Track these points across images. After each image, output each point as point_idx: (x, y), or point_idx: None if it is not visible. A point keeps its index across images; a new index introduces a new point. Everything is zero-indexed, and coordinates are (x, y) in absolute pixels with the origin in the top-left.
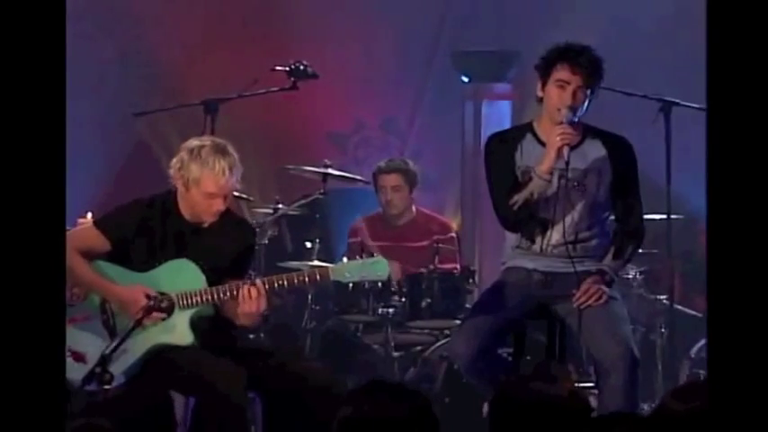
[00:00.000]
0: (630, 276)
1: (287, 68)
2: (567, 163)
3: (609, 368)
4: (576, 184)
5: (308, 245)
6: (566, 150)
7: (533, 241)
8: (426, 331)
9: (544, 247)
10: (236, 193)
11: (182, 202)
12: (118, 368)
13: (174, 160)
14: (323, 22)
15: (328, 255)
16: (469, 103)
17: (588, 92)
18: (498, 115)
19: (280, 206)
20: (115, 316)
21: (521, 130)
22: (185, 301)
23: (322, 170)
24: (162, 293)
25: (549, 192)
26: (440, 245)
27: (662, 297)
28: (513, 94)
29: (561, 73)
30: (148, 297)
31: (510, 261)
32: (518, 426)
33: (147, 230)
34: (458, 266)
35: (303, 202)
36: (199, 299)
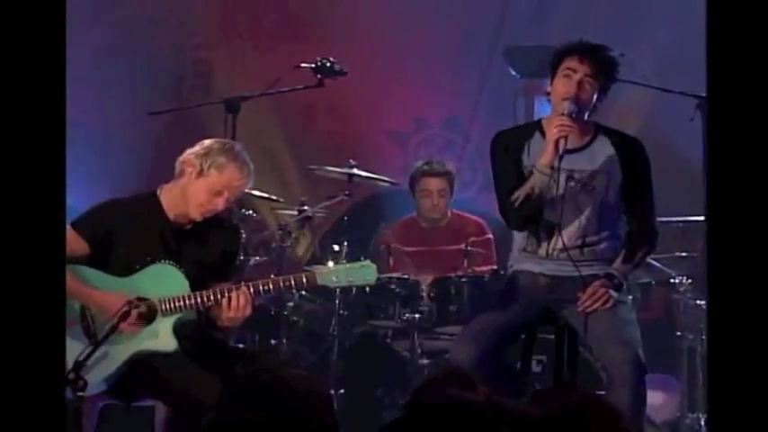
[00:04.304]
0: (676, 281)
1: (312, 65)
2: (561, 157)
3: (614, 373)
4: (584, 185)
5: (336, 248)
6: (562, 143)
7: (540, 245)
8: (456, 337)
9: (550, 251)
10: (265, 195)
11: (167, 199)
12: (99, 375)
13: (198, 147)
14: (383, 22)
15: (357, 258)
16: (521, 99)
17: (596, 86)
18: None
19: (305, 208)
20: (95, 322)
21: (529, 128)
22: (168, 307)
23: (347, 170)
24: (144, 299)
25: (557, 193)
26: (470, 248)
27: (702, 302)
28: None
29: (569, 62)
30: (129, 303)
31: (516, 264)
32: (431, 430)
33: (127, 231)
34: (495, 268)
35: (328, 203)
36: (182, 304)
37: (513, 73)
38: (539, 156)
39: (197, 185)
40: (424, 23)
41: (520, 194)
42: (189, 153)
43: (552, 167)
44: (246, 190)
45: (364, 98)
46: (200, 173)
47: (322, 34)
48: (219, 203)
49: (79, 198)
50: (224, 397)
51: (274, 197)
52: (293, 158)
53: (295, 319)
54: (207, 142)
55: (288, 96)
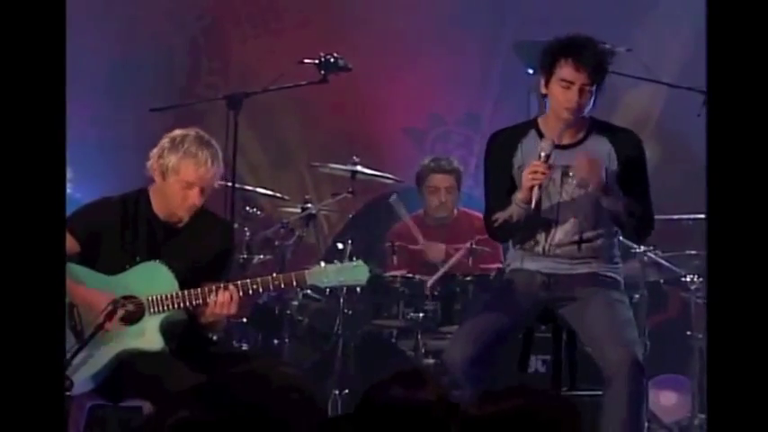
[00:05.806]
0: (687, 280)
1: (316, 61)
2: (539, 203)
3: (611, 374)
4: (579, 181)
5: (340, 246)
6: (535, 191)
7: (537, 242)
8: (451, 337)
9: (547, 248)
10: (269, 192)
11: (156, 198)
12: (85, 373)
13: (155, 149)
14: (401, 19)
15: (361, 256)
16: (534, 94)
17: (594, 88)
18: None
19: (309, 205)
20: (83, 321)
21: (523, 127)
22: (156, 306)
23: (350, 168)
24: (132, 297)
25: (553, 191)
26: (475, 245)
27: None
28: None
29: (565, 71)
30: (114, 301)
31: (513, 262)
32: (382, 429)
33: (118, 230)
34: (500, 267)
35: (331, 201)
36: (170, 303)
37: (526, 68)
38: (534, 156)
39: (168, 188)
40: (440, 19)
41: (499, 219)
42: (150, 157)
43: (529, 203)
44: (250, 187)
45: (379, 94)
46: (163, 176)
47: (337, 30)
48: (194, 197)
49: (87, 194)
50: (184, 395)
51: (279, 194)
52: (304, 156)
53: (299, 318)
54: (164, 141)
55: (299, 92)
